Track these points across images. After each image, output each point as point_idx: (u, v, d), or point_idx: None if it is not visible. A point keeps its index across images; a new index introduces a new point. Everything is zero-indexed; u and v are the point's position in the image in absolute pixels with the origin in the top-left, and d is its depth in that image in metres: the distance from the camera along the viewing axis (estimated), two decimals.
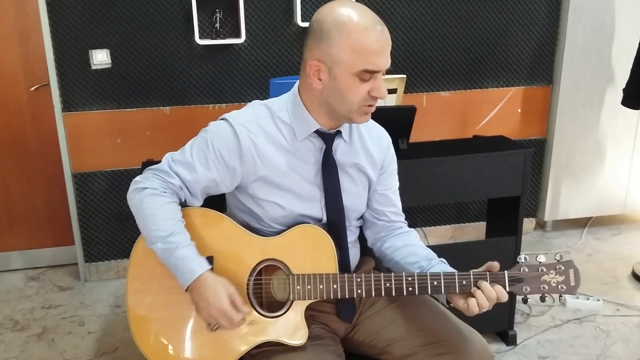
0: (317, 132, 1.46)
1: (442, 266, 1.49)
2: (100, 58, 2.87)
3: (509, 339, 2.52)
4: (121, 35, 2.85)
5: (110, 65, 2.88)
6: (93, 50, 2.85)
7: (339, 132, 1.49)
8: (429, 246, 2.23)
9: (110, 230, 3.13)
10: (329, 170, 1.48)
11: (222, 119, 1.46)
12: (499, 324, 2.50)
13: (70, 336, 2.67)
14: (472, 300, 1.35)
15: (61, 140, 2.94)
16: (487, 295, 1.35)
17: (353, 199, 1.54)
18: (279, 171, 1.44)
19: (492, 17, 3.23)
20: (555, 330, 2.65)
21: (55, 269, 3.31)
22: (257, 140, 1.43)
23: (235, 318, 1.36)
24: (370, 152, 1.55)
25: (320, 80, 1.38)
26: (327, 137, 1.47)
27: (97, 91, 2.91)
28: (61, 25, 2.78)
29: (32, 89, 3.02)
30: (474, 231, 3.55)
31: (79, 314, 2.86)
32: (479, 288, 1.36)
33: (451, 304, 1.43)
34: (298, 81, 1.47)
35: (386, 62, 1.35)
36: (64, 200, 3.07)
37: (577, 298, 2.81)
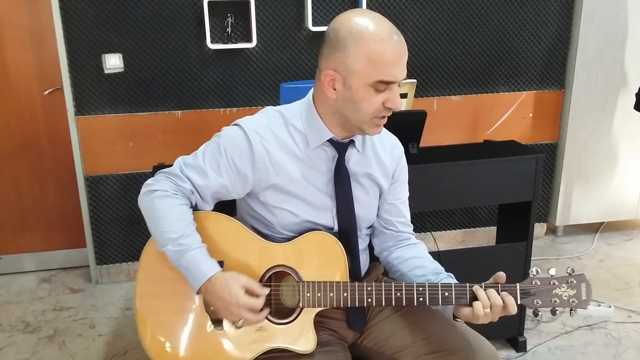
0: (330, 141, 1.46)
1: (450, 280, 1.48)
2: (113, 62, 2.89)
3: (519, 346, 2.50)
4: (133, 39, 2.86)
5: (122, 70, 2.90)
6: (106, 55, 2.87)
7: (352, 142, 1.48)
8: (439, 252, 2.25)
9: (121, 233, 3.15)
10: (342, 180, 1.48)
11: (235, 125, 1.46)
12: (509, 330, 2.49)
13: (81, 338, 2.69)
14: (476, 303, 1.34)
15: (74, 144, 2.97)
16: (493, 300, 1.34)
17: (365, 208, 1.54)
18: (291, 179, 1.44)
19: (504, 20, 3.21)
20: (566, 336, 2.63)
21: (67, 271, 3.33)
22: (270, 148, 1.43)
23: (256, 305, 1.35)
24: (382, 161, 1.55)
25: (334, 89, 1.37)
26: (340, 147, 1.47)
27: (110, 95, 2.93)
28: (74, 30, 2.81)
29: (46, 92, 3.05)
30: (485, 236, 3.53)
31: (89, 317, 2.88)
32: (484, 293, 1.35)
33: (457, 319, 1.42)
34: (312, 89, 1.47)
35: (402, 73, 1.35)
36: (76, 203, 3.09)
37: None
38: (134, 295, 1.46)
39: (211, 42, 2.88)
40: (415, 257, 1.57)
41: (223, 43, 2.91)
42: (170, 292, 1.44)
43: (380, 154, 1.55)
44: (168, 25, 2.87)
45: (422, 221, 3.40)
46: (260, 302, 1.36)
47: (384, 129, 1.58)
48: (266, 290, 1.38)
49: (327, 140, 1.45)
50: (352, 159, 1.50)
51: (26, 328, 2.78)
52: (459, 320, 1.41)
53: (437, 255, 2.24)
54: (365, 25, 1.32)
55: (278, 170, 1.43)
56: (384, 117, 1.39)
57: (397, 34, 1.33)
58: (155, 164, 2.26)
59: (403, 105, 2.25)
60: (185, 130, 3.02)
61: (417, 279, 1.51)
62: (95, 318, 2.86)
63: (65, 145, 3.03)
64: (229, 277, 1.36)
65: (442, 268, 1.53)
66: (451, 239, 3.51)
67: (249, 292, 1.36)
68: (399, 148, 1.61)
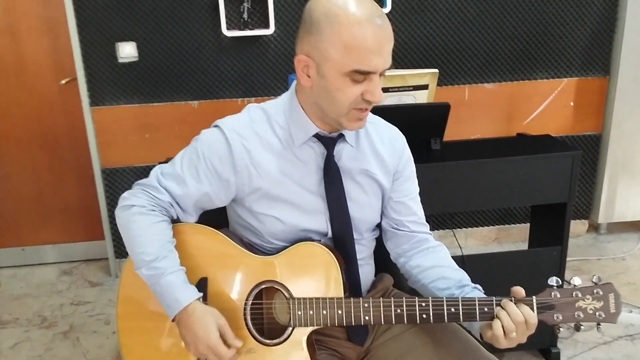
0: (317, 136, 1.31)
1: (476, 293, 1.31)
2: (127, 51, 2.80)
3: (552, 357, 2.31)
4: (147, 27, 2.76)
5: (137, 59, 2.81)
6: (120, 43, 2.78)
7: (341, 136, 1.33)
8: (463, 256, 2.08)
9: None
10: (332, 179, 1.33)
11: (214, 126, 1.34)
12: (541, 340, 2.30)
13: (95, 335, 2.64)
14: (496, 323, 1.18)
15: (90, 136, 2.90)
16: (514, 317, 1.17)
17: (363, 209, 1.39)
18: (277, 181, 1.31)
19: (542, 0, 2.97)
20: (604, 348, 2.42)
21: (88, 264, 3.30)
22: (252, 148, 1.29)
23: (225, 355, 1.23)
24: (381, 155, 1.39)
25: (309, 77, 1.23)
26: (328, 142, 1.32)
27: (124, 85, 2.85)
28: (87, 18, 2.73)
29: (62, 82, 2.99)
30: (520, 233, 3.31)
31: (106, 312, 2.82)
32: (503, 309, 1.19)
33: (484, 339, 1.25)
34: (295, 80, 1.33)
35: (384, 62, 1.18)
36: (95, 195, 3.03)
37: (631, 312, 2.56)
38: (116, 319, 1.35)
39: (227, 29, 2.75)
40: (437, 267, 1.40)
41: (239, 30, 2.77)
42: (153, 313, 1.32)
43: (377, 148, 1.39)
44: (182, 11, 2.76)
45: (453, 217, 3.21)
46: (229, 354, 1.23)
47: (382, 120, 1.43)
48: (238, 344, 1.25)
49: (314, 136, 1.30)
50: (345, 154, 1.35)
51: (42, 323, 2.75)
52: (484, 340, 1.25)
53: (461, 260, 2.08)
54: (344, 5, 1.15)
55: (261, 173, 1.30)
56: (364, 109, 1.23)
57: (381, 17, 1.16)
58: (165, 158, 2.14)
59: (424, 97, 2.07)
60: (202, 122, 2.84)
61: (439, 293, 1.35)
62: (111, 314, 2.81)
63: (83, 137, 2.97)
64: (208, 312, 1.23)
65: (468, 278, 1.36)
66: (484, 236, 3.31)
67: (222, 337, 1.23)
68: (400, 140, 1.44)
